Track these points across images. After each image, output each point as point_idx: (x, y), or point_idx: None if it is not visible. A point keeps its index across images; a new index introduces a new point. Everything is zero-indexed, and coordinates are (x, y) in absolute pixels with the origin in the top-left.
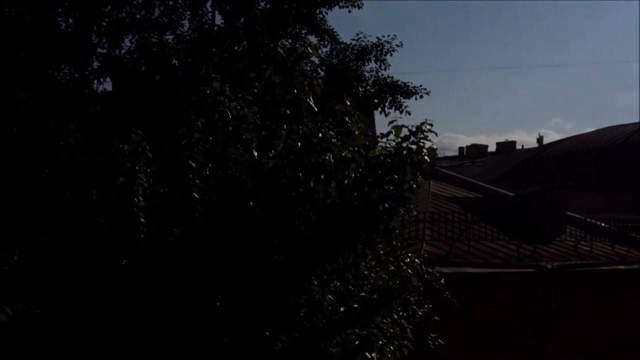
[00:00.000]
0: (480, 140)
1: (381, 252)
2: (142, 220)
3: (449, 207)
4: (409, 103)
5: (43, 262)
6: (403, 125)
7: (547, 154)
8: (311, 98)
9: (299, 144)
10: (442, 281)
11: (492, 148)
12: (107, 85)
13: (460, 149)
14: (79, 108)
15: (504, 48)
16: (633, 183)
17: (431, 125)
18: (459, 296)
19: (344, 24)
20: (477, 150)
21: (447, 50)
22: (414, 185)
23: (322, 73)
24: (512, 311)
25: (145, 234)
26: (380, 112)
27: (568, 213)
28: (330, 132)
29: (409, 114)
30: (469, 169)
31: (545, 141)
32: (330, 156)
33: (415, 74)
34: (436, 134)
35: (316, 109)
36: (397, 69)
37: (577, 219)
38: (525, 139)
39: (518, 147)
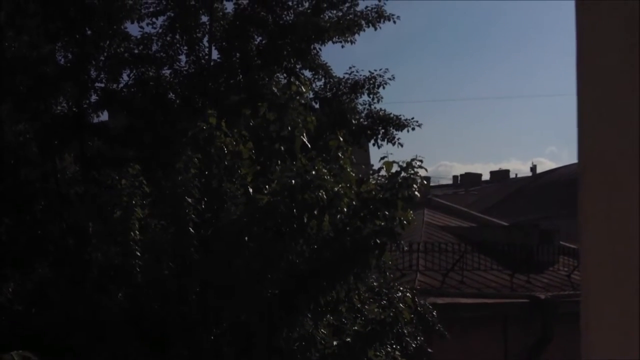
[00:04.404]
0: (475, 168)
1: (374, 284)
2: (138, 253)
3: (443, 236)
4: (403, 134)
5: (44, 295)
6: (394, 161)
7: (540, 183)
8: (305, 135)
9: (293, 181)
10: (435, 313)
11: (487, 176)
12: (104, 117)
13: (455, 177)
14: (77, 141)
15: (500, 76)
16: None
17: (421, 161)
18: (453, 327)
19: (338, 56)
20: (471, 179)
21: (442, 79)
22: (404, 222)
23: (317, 106)
24: (506, 341)
25: (140, 266)
26: (374, 145)
27: (561, 242)
28: (323, 170)
29: (402, 145)
30: (462, 197)
31: (540, 170)
32: (323, 192)
33: (410, 103)
34: (426, 170)
35: (309, 146)
36: (392, 97)
37: (571, 249)
38: (520, 168)
39: (512, 175)
